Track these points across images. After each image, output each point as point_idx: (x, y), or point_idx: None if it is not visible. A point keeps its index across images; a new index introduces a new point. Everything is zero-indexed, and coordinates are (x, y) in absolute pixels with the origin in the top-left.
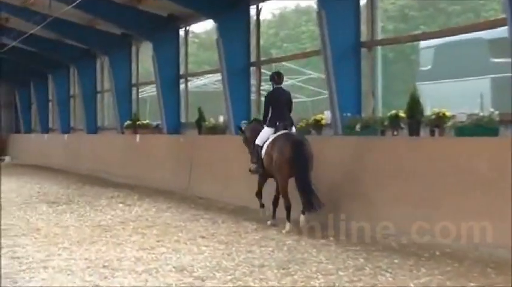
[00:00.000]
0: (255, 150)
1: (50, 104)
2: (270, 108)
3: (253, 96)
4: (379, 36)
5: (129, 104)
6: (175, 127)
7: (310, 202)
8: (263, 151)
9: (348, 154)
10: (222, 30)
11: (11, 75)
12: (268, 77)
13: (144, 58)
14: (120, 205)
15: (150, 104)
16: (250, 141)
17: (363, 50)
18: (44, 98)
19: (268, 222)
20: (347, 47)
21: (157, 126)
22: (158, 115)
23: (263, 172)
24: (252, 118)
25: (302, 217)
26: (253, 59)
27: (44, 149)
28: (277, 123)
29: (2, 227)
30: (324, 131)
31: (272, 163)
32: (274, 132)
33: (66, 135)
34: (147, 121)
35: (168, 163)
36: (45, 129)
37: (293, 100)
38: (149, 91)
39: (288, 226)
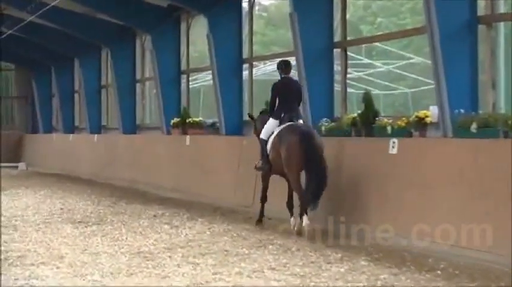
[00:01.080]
0: (260, 145)
1: (76, 96)
2: (277, 99)
3: (337, 87)
4: (502, 9)
5: (177, 97)
6: (236, 126)
7: (316, 200)
8: (268, 146)
9: (463, 159)
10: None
11: (26, 59)
12: (357, 62)
13: (196, 39)
14: (166, 226)
15: (203, 96)
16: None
17: (481, 28)
18: (68, 89)
19: (292, 220)
20: (460, 23)
21: (212, 125)
22: (214, 111)
23: (269, 169)
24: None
25: (304, 220)
26: (337, 38)
27: (68, 153)
28: (283, 114)
29: (17, 253)
30: (429, 132)
31: (279, 157)
32: (279, 125)
33: (96, 136)
34: (200, 118)
35: (227, 172)
36: (70, 129)
37: (390, 91)
38: (203, 80)
39: (304, 220)
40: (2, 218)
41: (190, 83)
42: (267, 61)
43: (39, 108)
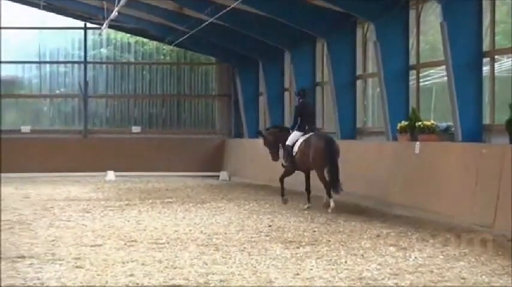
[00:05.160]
0: (286, 149)
1: (286, 94)
2: (299, 119)
3: None
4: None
5: (405, 96)
6: (475, 131)
7: (337, 186)
8: (295, 149)
9: None
10: None
11: (229, 52)
12: None
13: (427, 29)
14: (391, 248)
15: (436, 96)
16: (271, 144)
17: None
18: (278, 86)
19: (305, 206)
20: None
21: (446, 129)
22: (449, 113)
23: (293, 167)
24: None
25: (331, 201)
26: (485, 47)
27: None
28: (306, 127)
29: (219, 276)
30: None
31: (306, 157)
32: (303, 135)
33: None
34: (432, 122)
35: (463, 185)
36: None
37: None
38: (435, 76)
39: (331, 202)
40: (202, 236)
41: (420, 80)
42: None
43: (243, 109)
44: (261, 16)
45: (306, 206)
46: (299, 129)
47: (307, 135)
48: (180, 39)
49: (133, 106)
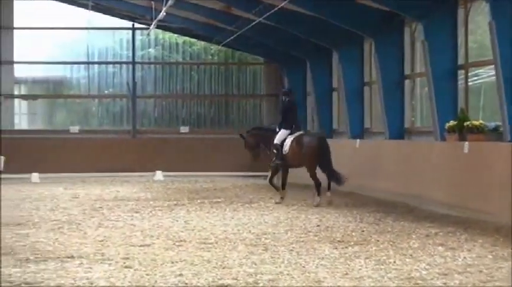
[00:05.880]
0: (275, 148)
1: (335, 94)
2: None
3: None
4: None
5: (453, 96)
6: None
7: (337, 178)
8: (286, 147)
9: None
10: None
11: (277, 52)
12: None
13: (476, 28)
14: (440, 248)
15: (484, 95)
16: (251, 146)
17: None
18: (326, 86)
19: (276, 200)
20: None
21: (495, 129)
22: (497, 112)
23: (283, 164)
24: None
25: (328, 193)
26: None
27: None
28: (293, 126)
29: (268, 276)
30: None
31: (298, 155)
32: (291, 133)
33: (357, 141)
34: (480, 122)
35: (506, 184)
36: (327, 132)
37: None
38: (484, 76)
39: (317, 199)
40: (251, 236)
41: (468, 79)
42: None
43: None
44: (309, 16)
45: (277, 200)
46: (286, 128)
47: (297, 134)
48: (228, 39)
49: (182, 106)
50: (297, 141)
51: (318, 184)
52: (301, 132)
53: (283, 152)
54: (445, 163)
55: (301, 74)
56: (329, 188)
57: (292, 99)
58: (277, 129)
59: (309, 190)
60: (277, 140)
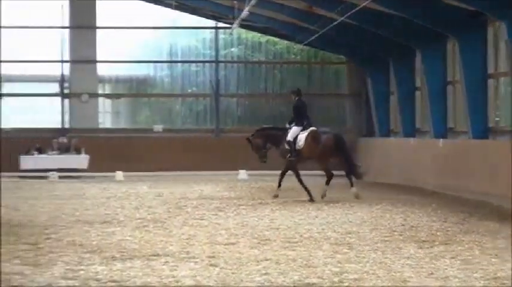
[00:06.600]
0: (288, 144)
1: (417, 94)
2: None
3: None
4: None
5: None
6: None
7: (357, 172)
8: (301, 142)
9: None
10: None
11: (360, 51)
12: None
13: None
14: None
15: None
16: (257, 148)
17: None
18: (409, 85)
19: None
20: None
21: None
22: None
23: (297, 159)
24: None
25: (354, 189)
26: None
27: (409, 160)
28: (304, 123)
29: (353, 275)
30: None
31: (315, 149)
32: (303, 130)
33: (441, 141)
34: None
35: None
36: (410, 132)
37: None
38: None
39: (325, 190)
40: (335, 235)
41: None
42: None
43: (374, 108)
44: (391, 15)
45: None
46: (298, 125)
47: (310, 130)
48: (310, 39)
49: (264, 105)
50: (312, 137)
51: (330, 176)
52: (313, 128)
53: (298, 147)
54: None
55: (385, 73)
56: (351, 185)
57: (301, 98)
58: (288, 127)
59: (394, 189)
60: (290, 137)
